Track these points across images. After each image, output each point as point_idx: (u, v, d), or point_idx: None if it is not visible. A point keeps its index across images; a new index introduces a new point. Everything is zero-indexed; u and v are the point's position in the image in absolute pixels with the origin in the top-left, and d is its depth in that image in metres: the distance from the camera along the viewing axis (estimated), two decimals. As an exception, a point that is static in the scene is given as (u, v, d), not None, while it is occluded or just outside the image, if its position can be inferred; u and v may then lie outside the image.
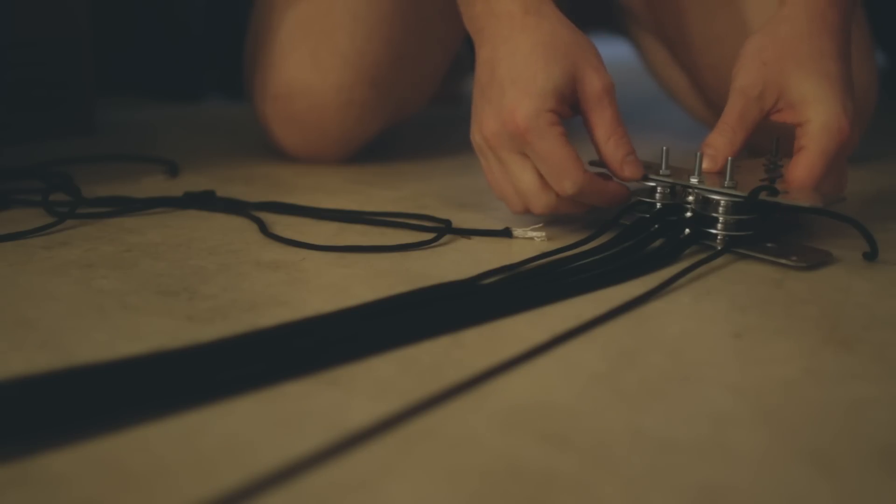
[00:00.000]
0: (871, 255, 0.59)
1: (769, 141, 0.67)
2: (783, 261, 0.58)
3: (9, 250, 0.62)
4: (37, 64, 1.02)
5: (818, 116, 0.60)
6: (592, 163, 0.64)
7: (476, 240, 0.65)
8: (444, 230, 0.65)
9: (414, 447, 0.37)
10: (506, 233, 0.65)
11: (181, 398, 0.40)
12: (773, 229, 0.62)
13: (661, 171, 0.63)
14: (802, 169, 0.60)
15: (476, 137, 0.64)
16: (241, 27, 0.97)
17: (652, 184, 0.64)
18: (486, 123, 0.62)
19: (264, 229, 0.66)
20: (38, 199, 0.71)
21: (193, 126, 1.19)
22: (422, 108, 1.01)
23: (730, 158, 0.60)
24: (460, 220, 0.69)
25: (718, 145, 0.62)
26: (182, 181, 0.83)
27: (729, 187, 0.60)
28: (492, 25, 0.63)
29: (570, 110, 0.63)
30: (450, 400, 0.41)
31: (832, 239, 0.64)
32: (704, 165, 0.62)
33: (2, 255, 0.61)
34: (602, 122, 0.62)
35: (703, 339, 0.48)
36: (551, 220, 0.68)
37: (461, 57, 1.27)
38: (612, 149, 0.62)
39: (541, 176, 0.62)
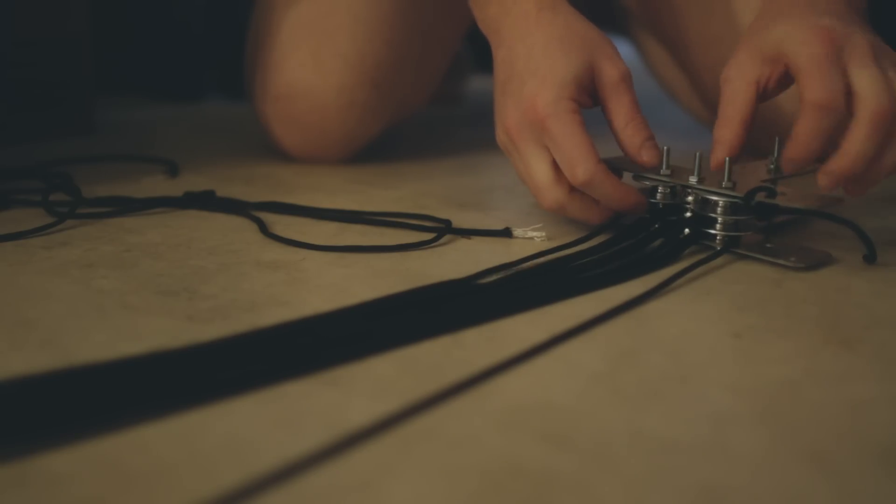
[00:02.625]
0: (870, 258, 0.59)
1: (770, 141, 0.67)
2: (782, 261, 0.58)
3: (9, 250, 0.62)
4: (37, 64, 1.02)
5: (788, 43, 0.57)
6: (606, 160, 0.64)
7: (476, 240, 0.65)
8: (444, 230, 0.65)
9: (414, 447, 0.37)
10: (506, 233, 0.65)
11: (181, 398, 0.40)
12: (771, 228, 0.62)
13: (661, 171, 0.63)
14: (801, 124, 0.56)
15: (500, 135, 0.64)
16: (241, 27, 0.97)
17: (649, 183, 0.64)
18: (507, 116, 0.62)
19: (264, 229, 0.66)
20: (38, 199, 0.71)
21: (193, 126, 1.19)
22: (422, 108, 1.01)
23: (727, 159, 0.60)
24: (460, 220, 0.69)
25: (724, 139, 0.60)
26: (182, 181, 0.83)
27: (727, 188, 0.60)
28: (507, 25, 0.64)
29: (590, 100, 0.63)
30: (450, 400, 0.41)
31: (832, 239, 0.64)
32: (712, 161, 0.61)
33: (2, 255, 0.61)
34: (620, 109, 0.62)
35: (703, 339, 0.48)
36: (551, 220, 0.68)
37: (461, 57, 1.27)
38: (631, 134, 0.62)
39: (555, 169, 0.61)
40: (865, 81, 0.55)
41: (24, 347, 0.46)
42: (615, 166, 0.64)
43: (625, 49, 1.14)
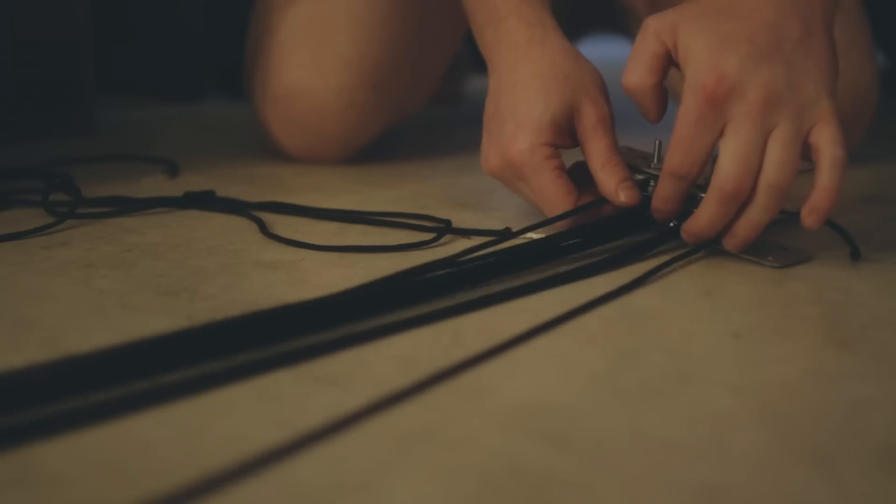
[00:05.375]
0: (855, 255, 0.59)
1: None
2: (755, 259, 0.58)
3: (9, 250, 0.62)
4: (37, 64, 1.02)
5: (688, 75, 0.55)
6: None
7: (476, 240, 0.65)
8: (444, 230, 0.65)
9: (413, 447, 0.37)
10: (505, 232, 0.65)
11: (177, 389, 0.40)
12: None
13: (652, 164, 0.63)
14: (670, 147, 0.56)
15: (485, 169, 0.66)
16: (241, 27, 0.97)
17: (641, 177, 0.64)
18: (490, 157, 0.64)
19: (264, 229, 0.66)
20: (38, 199, 0.71)
21: (193, 126, 1.19)
22: (422, 109, 1.01)
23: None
24: (460, 220, 0.69)
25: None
26: (182, 181, 0.83)
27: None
28: (499, 55, 0.65)
29: (570, 140, 0.64)
30: (449, 399, 0.41)
31: (830, 239, 0.63)
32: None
33: (2, 255, 0.61)
34: (597, 152, 0.62)
35: (703, 339, 0.48)
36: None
37: (461, 57, 1.27)
38: (606, 177, 0.62)
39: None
40: (725, 152, 0.54)
41: (24, 347, 0.46)
42: None
43: (626, 49, 1.14)
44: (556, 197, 0.62)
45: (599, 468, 0.35)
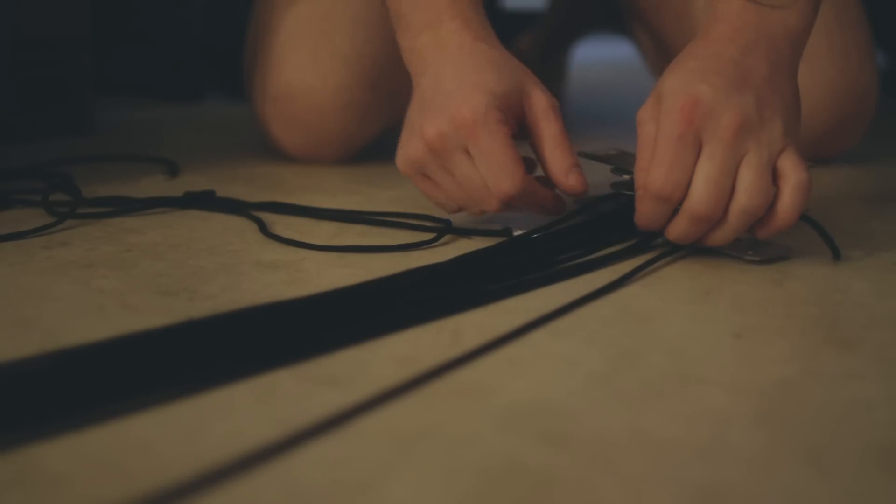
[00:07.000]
0: (836, 255, 0.60)
1: None
2: (735, 254, 0.59)
3: (9, 250, 0.62)
4: (37, 64, 1.02)
5: (664, 107, 0.55)
6: (589, 154, 0.65)
7: (476, 240, 0.65)
8: (444, 230, 0.65)
9: (413, 447, 0.37)
10: (505, 232, 0.65)
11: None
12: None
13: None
14: (646, 166, 0.57)
15: (411, 152, 0.62)
16: (241, 27, 0.98)
17: (627, 176, 0.64)
18: (428, 128, 0.59)
19: (264, 229, 0.66)
20: (38, 199, 0.71)
21: (193, 126, 1.19)
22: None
23: None
24: (460, 219, 0.69)
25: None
26: (182, 181, 0.83)
27: None
28: (438, 53, 0.63)
29: (515, 125, 0.62)
30: (449, 399, 0.41)
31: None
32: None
33: (2, 255, 0.61)
34: (549, 134, 0.62)
35: (703, 339, 0.48)
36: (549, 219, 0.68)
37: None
38: (558, 159, 0.62)
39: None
40: (699, 176, 0.54)
41: (24, 347, 0.46)
42: (600, 159, 0.65)
43: (626, 49, 1.14)
44: (508, 161, 0.59)
45: (599, 468, 0.35)
